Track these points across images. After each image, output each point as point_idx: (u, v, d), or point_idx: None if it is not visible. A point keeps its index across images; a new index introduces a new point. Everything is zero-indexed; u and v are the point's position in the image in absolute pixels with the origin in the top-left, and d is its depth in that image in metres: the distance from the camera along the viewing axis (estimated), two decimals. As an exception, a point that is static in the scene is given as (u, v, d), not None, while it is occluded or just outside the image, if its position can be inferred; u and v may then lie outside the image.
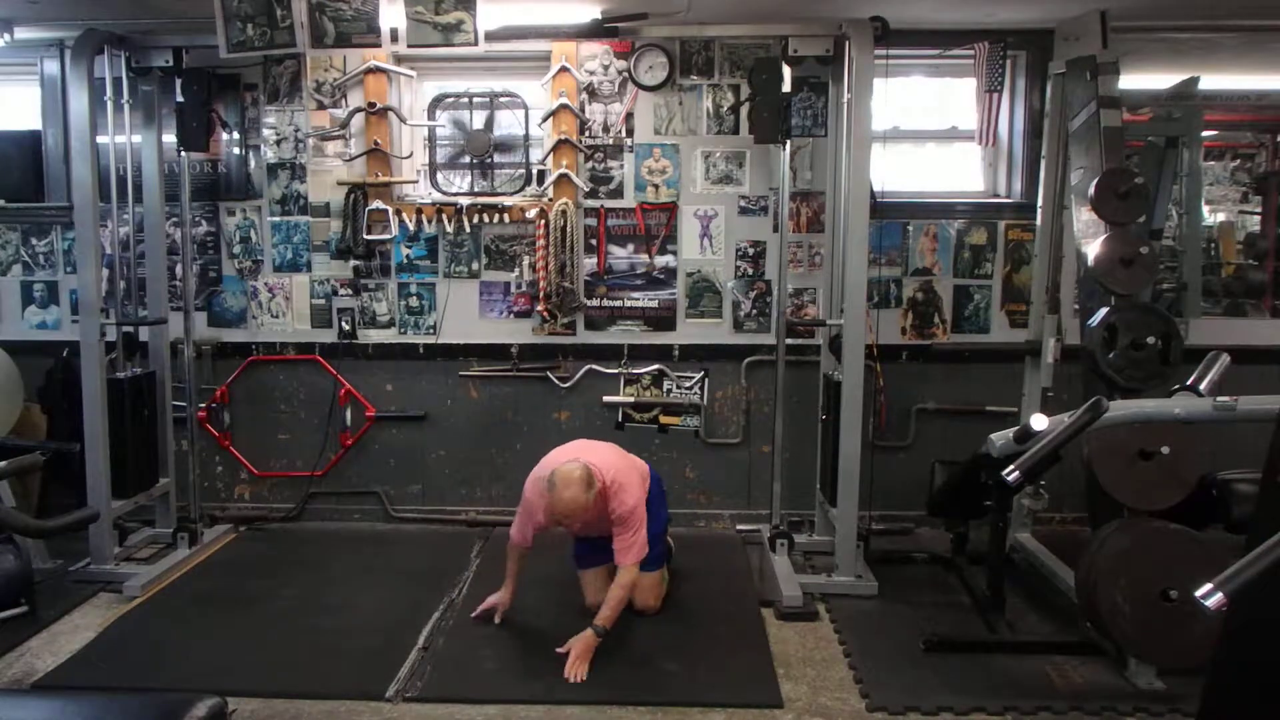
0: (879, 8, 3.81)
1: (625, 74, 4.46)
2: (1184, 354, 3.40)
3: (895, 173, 4.38)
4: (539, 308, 4.59)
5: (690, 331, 4.65)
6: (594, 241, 4.60)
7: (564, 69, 4.39)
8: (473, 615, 3.60)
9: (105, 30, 4.00)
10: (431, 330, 4.70)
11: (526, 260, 4.58)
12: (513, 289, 4.65)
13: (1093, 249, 3.52)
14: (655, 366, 4.66)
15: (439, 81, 4.64)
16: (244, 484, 4.83)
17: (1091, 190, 3.52)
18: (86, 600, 3.83)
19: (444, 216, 4.56)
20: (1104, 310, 3.46)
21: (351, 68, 4.46)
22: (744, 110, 4.43)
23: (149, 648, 3.42)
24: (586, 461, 3.35)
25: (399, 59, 4.46)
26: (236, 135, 4.61)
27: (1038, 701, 3.03)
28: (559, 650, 3.24)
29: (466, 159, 4.62)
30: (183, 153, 4.25)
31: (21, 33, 4.27)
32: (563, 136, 4.44)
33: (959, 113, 4.70)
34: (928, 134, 4.77)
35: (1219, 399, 2.67)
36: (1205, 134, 4.69)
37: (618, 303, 4.64)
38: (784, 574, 3.90)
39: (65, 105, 4.22)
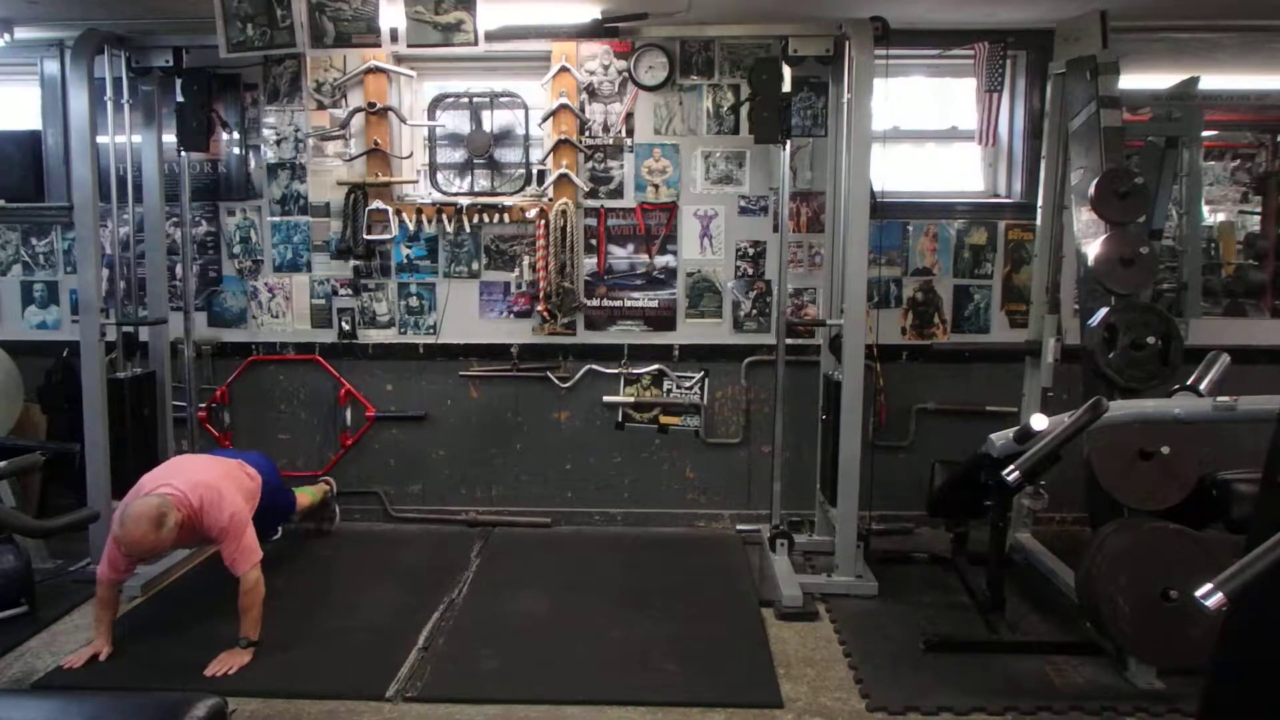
0: (879, 8, 3.81)
1: (625, 74, 4.46)
2: (1184, 354, 3.40)
3: (895, 173, 4.38)
4: (539, 308, 4.59)
5: (690, 331, 4.65)
6: (594, 241, 4.60)
7: (564, 69, 4.39)
8: (65, 665, 3.24)
9: (105, 30, 4.00)
10: (431, 330, 4.70)
11: (526, 260, 4.58)
12: (513, 289, 4.65)
13: (1093, 249, 3.52)
14: (655, 366, 4.66)
15: (439, 81, 4.64)
16: (244, 484, 4.83)
17: (1091, 190, 3.53)
18: (86, 600, 3.81)
19: (444, 216, 4.56)
20: (1104, 310, 3.46)
21: (351, 68, 4.46)
22: (744, 110, 4.43)
23: (149, 648, 3.42)
24: (167, 491, 3.20)
25: (399, 59, 4.46)
26: (236, 135, 4.61)
27: (1038, 701, 3.03)
28: (207, 674, 3.16)
29: (466, 159, 4.62)
30: (183, 153, 4.26)
31: (21, 33, 4.28)
32: (563, 136, 4.44)
33: (959, 113, 4.70)
34: (928, 134, 4.77)
35: (1219, 399, 2.67)
36: (1205, 134, 4.68)
37: (618, 303, 4.64)
38: (784, 574, 3.91)
39: (65, 105, 4.24)
